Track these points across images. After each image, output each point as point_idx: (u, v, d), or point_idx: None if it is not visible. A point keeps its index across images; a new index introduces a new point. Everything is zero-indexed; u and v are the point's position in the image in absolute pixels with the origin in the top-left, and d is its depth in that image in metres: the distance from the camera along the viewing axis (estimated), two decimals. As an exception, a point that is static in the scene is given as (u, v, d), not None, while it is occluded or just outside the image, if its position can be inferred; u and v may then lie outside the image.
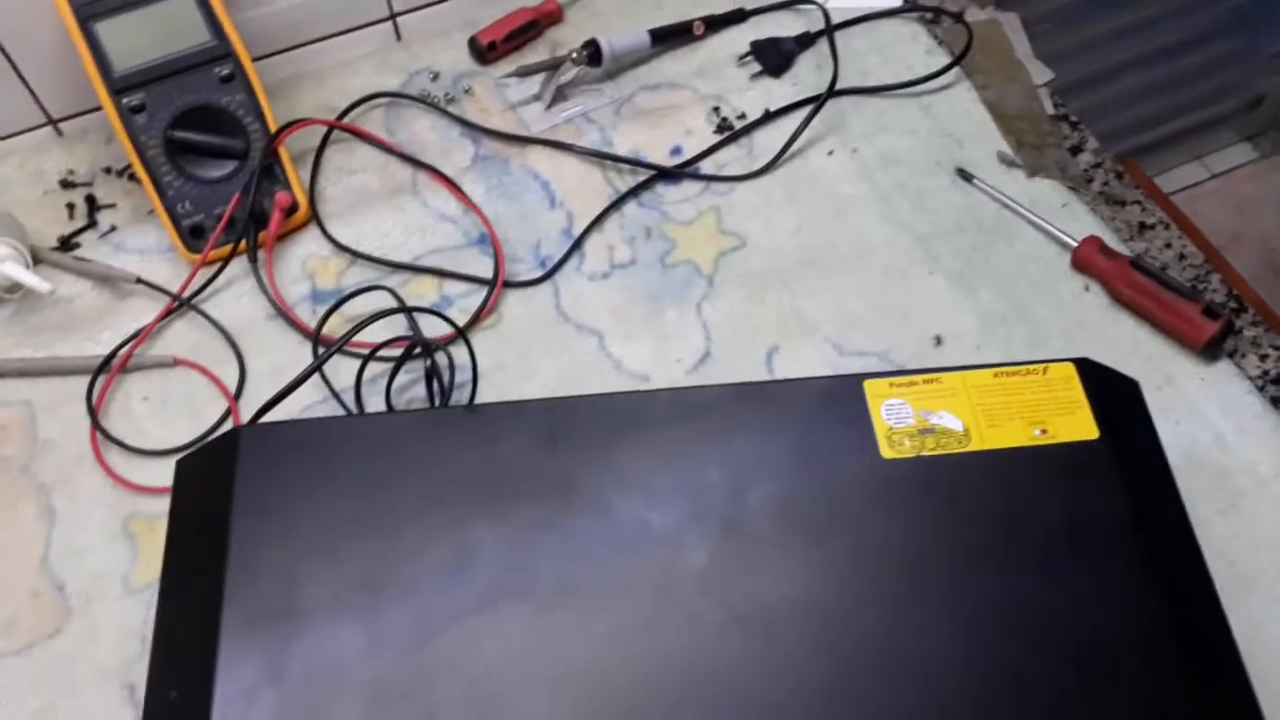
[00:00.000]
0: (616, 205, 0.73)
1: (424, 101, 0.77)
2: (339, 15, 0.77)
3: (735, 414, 0.49)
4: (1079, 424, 0.50)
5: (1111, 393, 0.52)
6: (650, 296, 0.69)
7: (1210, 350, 0.65)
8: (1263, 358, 0.67)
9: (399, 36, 0.80)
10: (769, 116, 0.77)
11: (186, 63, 0.67)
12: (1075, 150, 0.76)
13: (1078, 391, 0.51)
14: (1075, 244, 0.69)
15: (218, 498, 0.45)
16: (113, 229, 0.71)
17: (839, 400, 0.50)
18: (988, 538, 0.46)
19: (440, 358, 0.64)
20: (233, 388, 0.65)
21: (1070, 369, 0.52)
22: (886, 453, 0.48)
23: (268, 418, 0.59)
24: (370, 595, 0.43)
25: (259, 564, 0.44)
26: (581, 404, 0.49)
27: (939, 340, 0.67)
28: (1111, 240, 0.70)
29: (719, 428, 0.49)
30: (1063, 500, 0.47)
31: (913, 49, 0.80)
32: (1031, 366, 0.52)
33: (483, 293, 0.68)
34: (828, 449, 0.48)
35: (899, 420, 0.49)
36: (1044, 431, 0.49)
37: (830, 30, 0.79)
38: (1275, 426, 0.64)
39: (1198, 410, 0.64)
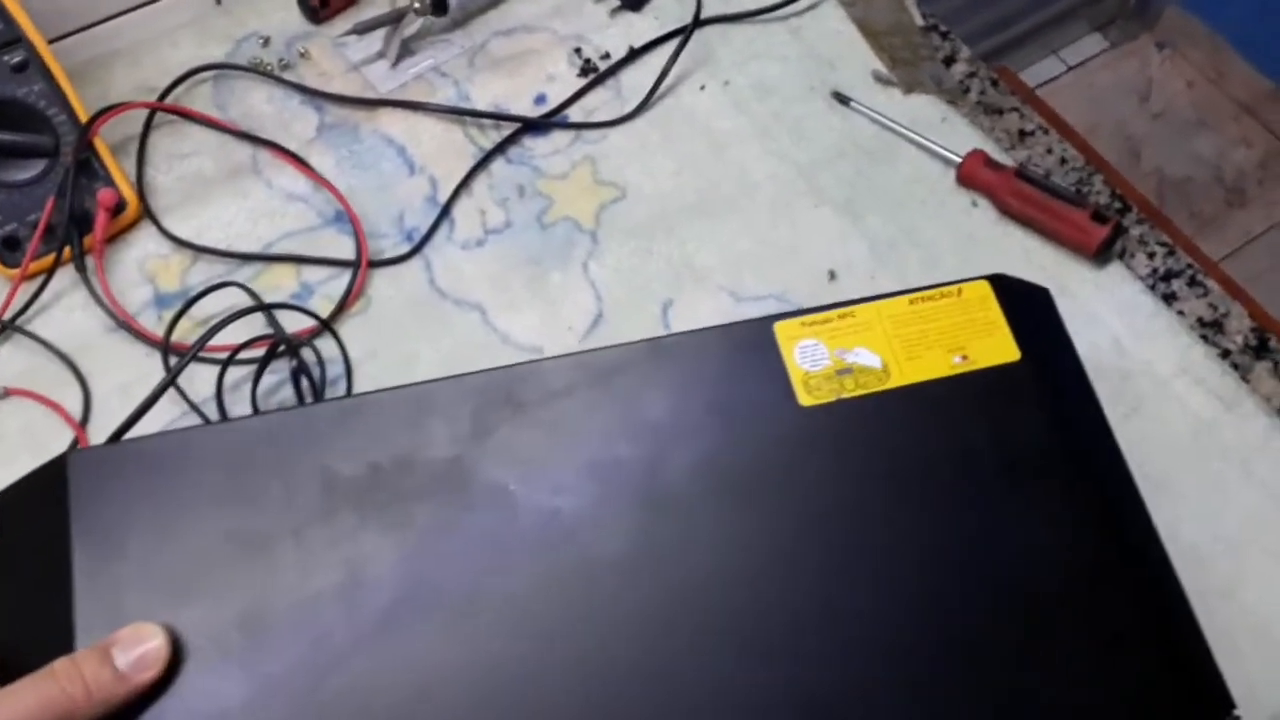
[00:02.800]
0: (483, 164, 0.67)
1: (255, 70, 0.70)
2: (144, -18, 0.69)
3: (639, 375, 0.45)
4: (999, 346, 0.48)
5: (1026, 307, 0.51)
6: (531, 260, 0.64)
7: (1101, 254, 0.65)
8: (1150, 255, 0.67)
9: (218, 0, 0.72)
10: (634, 54, 0.72)
11: (-33, 52, 0.58)
12: (948, 61, 0.74)
13: (994, 311, 0.49)
14: (959, 159, 0.67)
15: (52, 539, 0.39)
16: (-89, 249, 0.63)
17: (749, 348, 0.46)
18: (919, 479, 0.44)
19: (307, 354, 0.59)
20: (78, 414, 0.58)
21: (985, 287, 0.50)
22: (805, 399, 0.45)
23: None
24: (251, 634, 0.38)
25: (113, 612, 0.38)
26: (464, 383, 0.44)
27: (833, 274, 0.64)
28: (993, 151, 0.69)
29: (624, 393, 0.45)
30: (991, 430, 0.45)
31: (774, -31, 0.77)
32: (945, 289, 0.50)
33: (346, 276, 0.62)
34: (742, 404, 0.45)
35: (814, 363, 0.46)
36: (964, 358, 0.47)
37: (687, -44, 0.74)
38: (1169, 324, 0.64)
39: (1094, 316, 0.64)
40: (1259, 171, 1.68)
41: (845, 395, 0.45)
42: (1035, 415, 0.46)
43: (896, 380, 0.46)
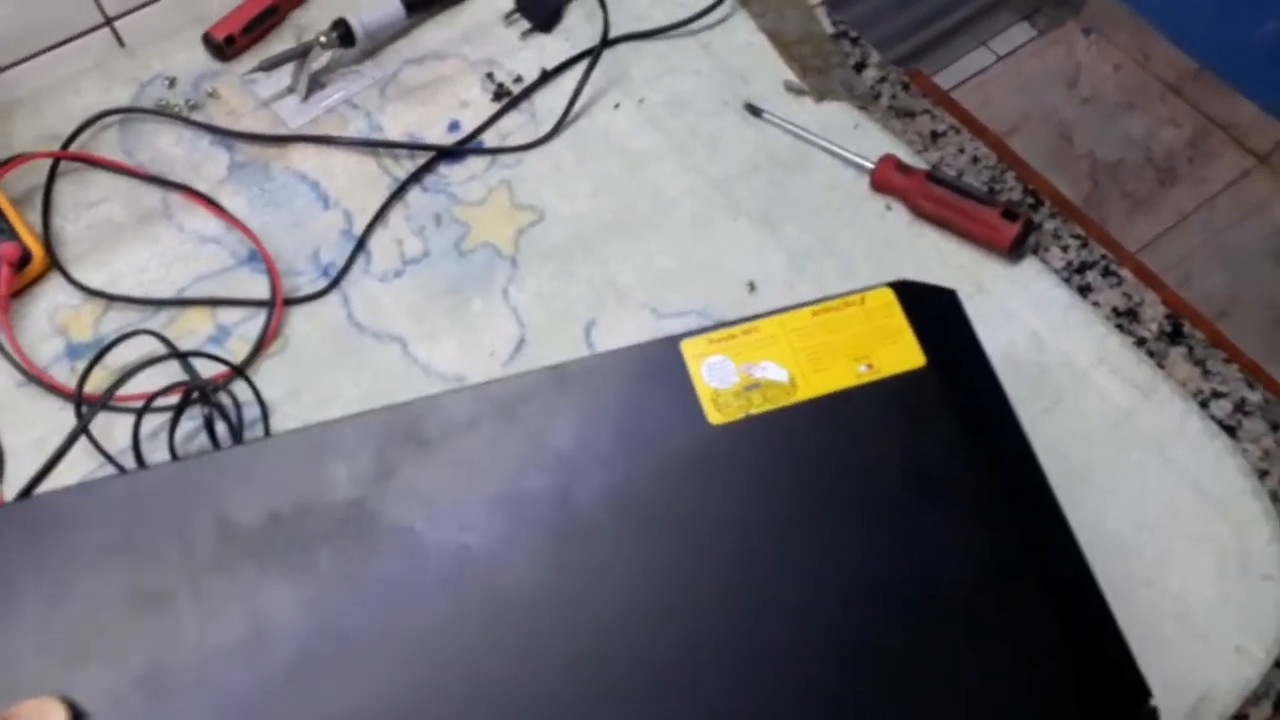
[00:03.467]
0: (398, 195, 0.67)
1: (162, 113, 0.69)
2: (40, 30, 0.67)
3: (545, 404, 0.45)
4: (904, 352, 0.48)
5: (931, 310, 0.51)
6: (451, 289, 0.64)
7: (1015, 251, 0.65)
8: (1064, 248, 0.68)
9: (122, 43, 0.72)
10: (546, 76, 0.72)
11: None
12: (859, 67, 0.75)
13: (898, 317, 0.49)
14: (871, 165, 0.67)
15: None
16: None
17: (657, 368, 0.46)
18: (829, 494, 0.44)
19: (223, 398, 0.58)
20: (-9, 473, 0.57)
21: (888, 294, 0.50)
22: (714, 418, 0.45)
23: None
24: (152, 695, 0.37)
25: (6, 679, 0.37)
26: (365, 422, 0.44)
27: (753, 286, 0.65)
28: (906, 155, 0.69)
29: (530, 423, 0.44)
30: (899, 438, 0.46)
31: (683, -17, 0.77)
32: (848, 298, 0.50)
33: (263, 316, 0.62)
34: (653, 426, 0.45)
35: (722, 380, 0.46)
36: (870, 367, 0.47)
37: (594, -25, 0.74)
38: (1085, 316, 0.65)
39: (1011, 312, 0.65)
40: (1188, 150, 1.71)
41: (754, 411, 0.45)
42: (942, 420, 0.46)
43: (804, 393, 0.46)
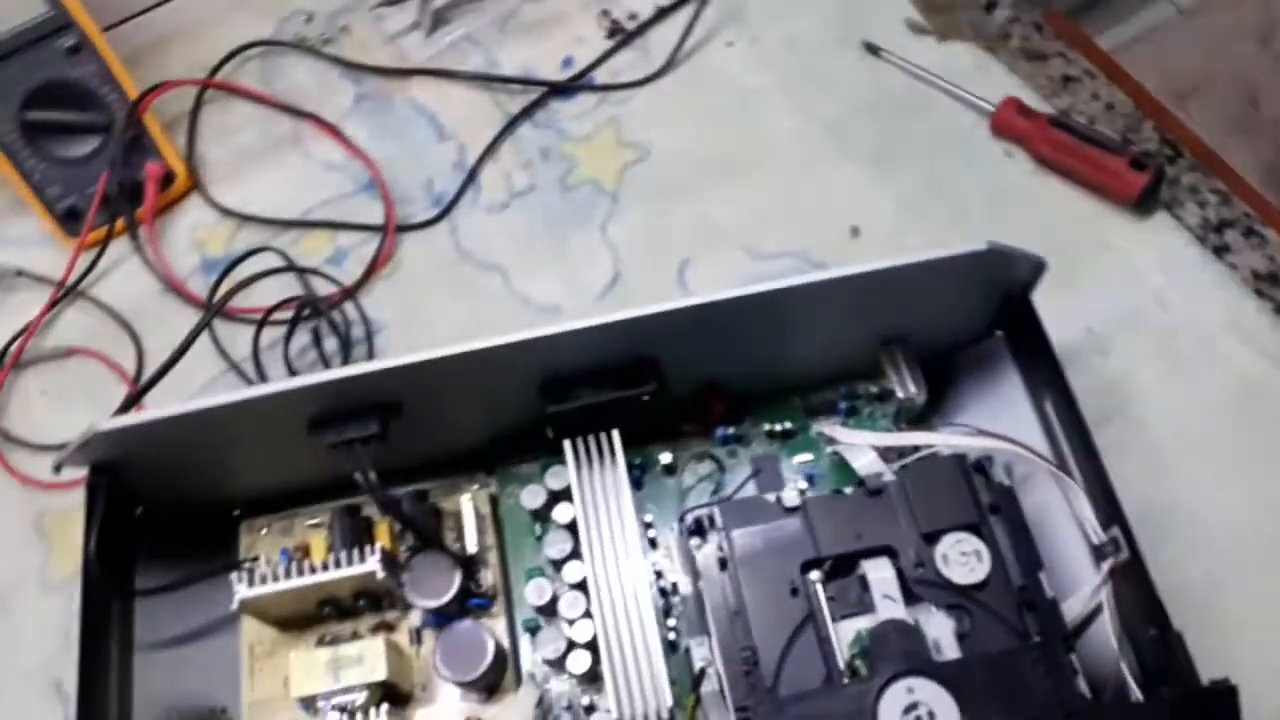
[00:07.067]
0: (509, 129, 0.69)
1: (299, 46, 0.73)
2: (196, -35, 0.72)
3: None
4: None
5: None
6: (552, 223, 0.65)
7: (1143, 203, 0.61)
8: (1202, 204, 0.63)
9: (267, -22, 0.76)
10: (662, 13, 0.72)
11: (24, 39, 0.63)
12: (990, 7, 0.71)
13: None
14: (992, 108, 0.64)
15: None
16: (-13, 222, 0.68)
17: None
18: None
19: (336, 316, 0.61)
20: (132, 372, 0.62)
21: None
22: None
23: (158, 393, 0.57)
24: None
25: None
26: None
27: (855, 231, 0.63)
28: (1031, 99, 0.66)
29: None
30: None
31: (810, -82, 0.75)
32: None
33: (377, 240, 0.65)
34: None
35: None
36: None
37: (716, -89, 0.73)
38: (1218, 278, 0.60)
39: (1135, 270, 0.61)
40: (1397, 115, 1.54)
41: None
42: None
43: None
